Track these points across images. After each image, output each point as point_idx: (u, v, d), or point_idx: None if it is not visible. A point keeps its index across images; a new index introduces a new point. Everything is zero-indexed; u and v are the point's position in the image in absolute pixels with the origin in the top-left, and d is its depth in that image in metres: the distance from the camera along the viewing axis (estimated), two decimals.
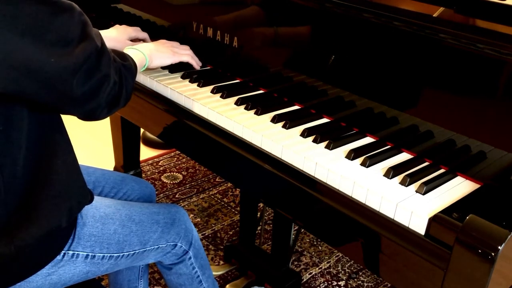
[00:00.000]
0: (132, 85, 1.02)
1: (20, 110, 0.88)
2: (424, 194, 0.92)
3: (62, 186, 0.96)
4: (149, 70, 1.38)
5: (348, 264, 1.98)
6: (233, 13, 1.34)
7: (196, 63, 1.38)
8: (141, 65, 1.19)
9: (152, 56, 1.24)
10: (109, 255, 1.08)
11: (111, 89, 0.93)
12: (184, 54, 1.35)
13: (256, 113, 1.18)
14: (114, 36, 1.37)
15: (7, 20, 0.78)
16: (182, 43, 1.48)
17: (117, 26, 1.44)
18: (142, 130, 2.43)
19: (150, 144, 2.74)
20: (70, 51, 0.84)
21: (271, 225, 2.09)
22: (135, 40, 1.45)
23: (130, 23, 1.65)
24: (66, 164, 0.98)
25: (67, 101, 0.88)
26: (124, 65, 1.01)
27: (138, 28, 1.46)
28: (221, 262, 1.92)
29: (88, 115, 0.94)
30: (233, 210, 2.27)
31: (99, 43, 0.91)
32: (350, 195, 0.95)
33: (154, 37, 1.55)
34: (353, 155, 1.02)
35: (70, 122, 1.16)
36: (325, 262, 1.98)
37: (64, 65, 0.84)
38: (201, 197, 2.35)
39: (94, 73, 0.89)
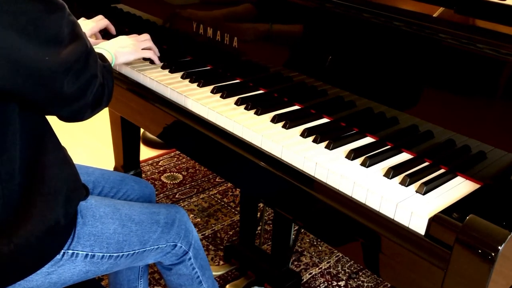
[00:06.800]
0: (112, 85, 1.04)
1: (13, 108, 0.89)
2: (424, 194, 0.92)
3: (56, 182, 0.96)
4: (149, 70, 1.39)
5: (348, 264, 1.98)
6: (233, 13, 1.34)
7: (157, 59, 1.41)
8: None
9: (117, 54, 1.27)
10: (108, 254, 1.08)
11: (97, 89, 0.95)
12: (146, 49, 1.38)
13: (256, 113, 1.18)
14: None
15: (5, 16, 0.78)
16: (182, 42, 1.48)
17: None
18: (142, 130, 2.43)
19: (150, 144, 2.74)
20: (62, 50, 0.85)
21: (271, 225, 2.09)
22: (99, 32, 1.47)
23: (130, 23, 1.65)
24: (58, 160, 0.98)
25: (56, 100, 0.89)
26: (105, 65, 1.03)
27: (101, 16, 1.47)
28: (221, 262, 1.92)
29: (74, 115, 0.95)
30: (233, 210, 2.27)
31: (88, 43, 0.92)
32: (350, 195, 0.95)
33: (154, 37, 1.54)
34: (353, 155, 1.02)
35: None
36: (325, 262, 1.98)
37: (57, 63, 0.84)
38: (201, 197, 2.35)
39: (84, 73, 0.90)
